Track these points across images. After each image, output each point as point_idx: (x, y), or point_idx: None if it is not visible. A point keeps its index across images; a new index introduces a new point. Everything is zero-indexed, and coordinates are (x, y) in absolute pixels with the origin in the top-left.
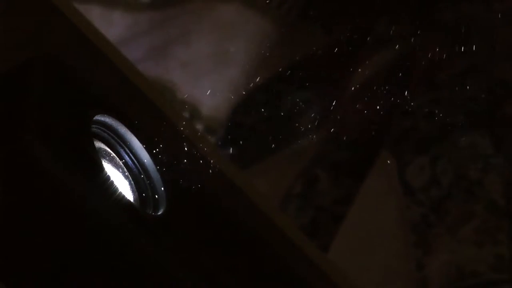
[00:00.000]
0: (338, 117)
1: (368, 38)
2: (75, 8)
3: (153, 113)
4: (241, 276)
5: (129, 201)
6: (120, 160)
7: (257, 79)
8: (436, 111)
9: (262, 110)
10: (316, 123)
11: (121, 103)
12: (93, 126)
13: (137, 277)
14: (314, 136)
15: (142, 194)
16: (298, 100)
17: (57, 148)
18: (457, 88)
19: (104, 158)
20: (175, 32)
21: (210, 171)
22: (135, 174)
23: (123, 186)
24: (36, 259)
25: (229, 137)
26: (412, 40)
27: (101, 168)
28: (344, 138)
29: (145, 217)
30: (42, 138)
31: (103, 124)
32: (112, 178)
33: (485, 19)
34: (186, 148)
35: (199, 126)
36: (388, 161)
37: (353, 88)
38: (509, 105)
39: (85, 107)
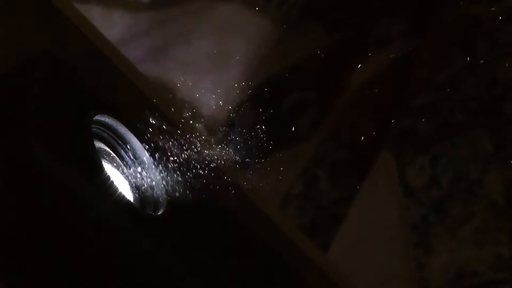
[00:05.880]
0: (338, 117)
1: (368, 38)
2: (75, 8)
3: (153, 113)
4: (241, 275)
5: (129, 201)
6: (120, 160)
7: (257, 79)
8: (436, 111)
9: (262, 110)
10: (316, 123)
11: (121, 103)
12: (93, 126)
13: (137, 276)
14: (314, 136)
15: (142, 194)
16: (298, 100)
17: (57, 148)
18: (457, 88)
19: (104, 158)
20: (175, 32)
21: (210, 171)
22: (135, 174)
23: (123, 186)
24: (36, 259)
25: (229, 137)
26: (412, 40)
27: (101, 168)
28: (344, 138)
29: (145, 217)
30: (42, 138)
31: (103, 124)
32: (112, 178)
33: (485, 19)
34: (186, 148)
35: (199, 126)
36: (388, 161)
37: (353, 88)
38: (509, 105)
39: (85, 107)
